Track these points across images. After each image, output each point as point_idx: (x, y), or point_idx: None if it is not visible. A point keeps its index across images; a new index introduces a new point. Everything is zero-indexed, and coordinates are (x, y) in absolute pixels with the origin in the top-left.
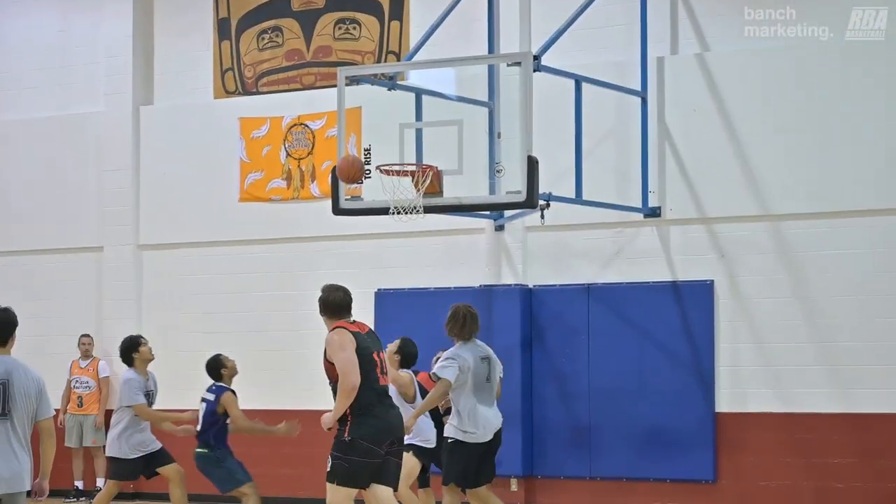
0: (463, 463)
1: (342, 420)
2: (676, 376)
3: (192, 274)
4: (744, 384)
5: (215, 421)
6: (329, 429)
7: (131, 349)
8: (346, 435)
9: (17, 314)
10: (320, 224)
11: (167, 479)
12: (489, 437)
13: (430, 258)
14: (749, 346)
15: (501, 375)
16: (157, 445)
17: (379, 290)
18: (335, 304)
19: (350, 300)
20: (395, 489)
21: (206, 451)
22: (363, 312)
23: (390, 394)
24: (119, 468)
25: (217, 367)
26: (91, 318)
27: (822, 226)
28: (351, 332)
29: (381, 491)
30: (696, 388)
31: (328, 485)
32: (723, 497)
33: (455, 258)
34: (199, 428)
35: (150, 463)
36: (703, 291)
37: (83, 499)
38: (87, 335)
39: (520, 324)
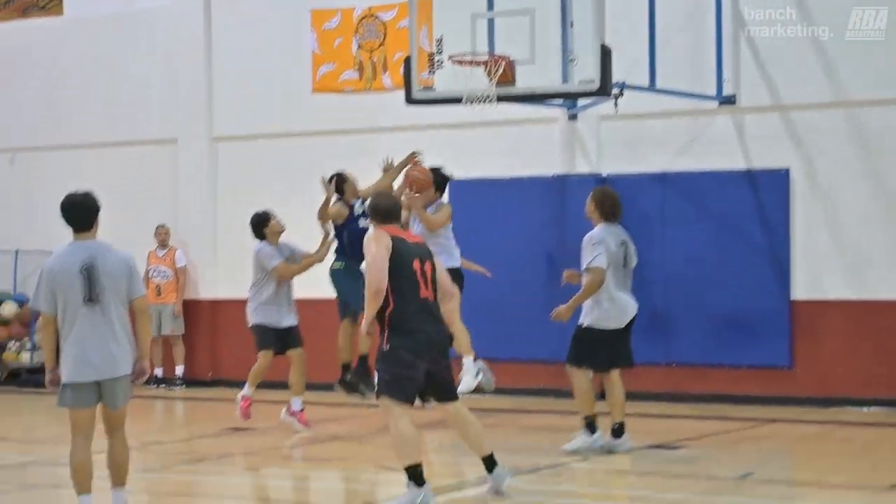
0: (594, 348)
1: (381, 330)
2: (752, 264)
3: (265, 164)
4: (819, 271)
5: (338, 230)
6: (368, 333)
7: (261, 224)
8: (385, 344)
9: None
10: (393, 115)
11: (290, 361)
12: (624, 322)
13: (504, 148)
14: (825, 233)
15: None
16: (293, 322)
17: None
18: (385, 209)
19: (399, 208)
20: (457, 399)
21: (340, 265)
22: None
23: (434, 309)
24: (264, 336)
25: (340, 183)
26: (167, 209)
27: None
28: (392, 235)
29: (452, 407)
30: (771, 276)
31: (379, 401)
32: (798, 382)
33: (529, 148)
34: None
35: (285, 341)
36: (778, 179)
37: (163, 385)
38: (164, 225)
39: None
